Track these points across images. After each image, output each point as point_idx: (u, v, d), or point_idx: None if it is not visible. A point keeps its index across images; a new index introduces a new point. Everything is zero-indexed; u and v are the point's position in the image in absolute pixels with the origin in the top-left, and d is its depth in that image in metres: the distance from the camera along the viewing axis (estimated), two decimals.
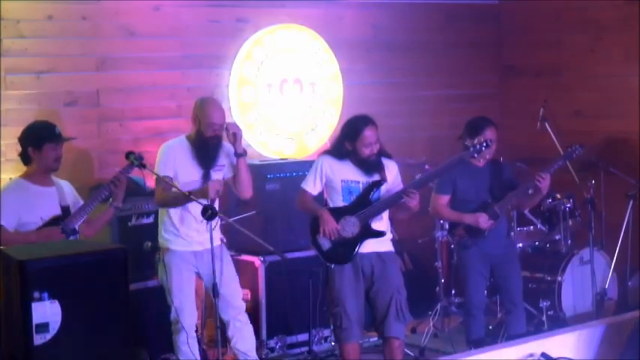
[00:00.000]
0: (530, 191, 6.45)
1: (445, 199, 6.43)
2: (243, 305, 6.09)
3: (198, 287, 6.16)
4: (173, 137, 7.15)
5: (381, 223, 5.96)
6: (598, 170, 7.55)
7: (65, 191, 5.72)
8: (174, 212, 5.87)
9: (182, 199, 5.71)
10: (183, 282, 5.88)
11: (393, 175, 5.98)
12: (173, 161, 5.87)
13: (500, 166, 6.63)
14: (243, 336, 6.05)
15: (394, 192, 5.91)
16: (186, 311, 5.88)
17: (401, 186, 5.97)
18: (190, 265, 5.92)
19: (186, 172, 5.87)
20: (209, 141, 5.86)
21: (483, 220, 6.35)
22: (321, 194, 6.04)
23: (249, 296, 6.74)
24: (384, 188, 5.93)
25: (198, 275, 6.01)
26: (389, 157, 6.01)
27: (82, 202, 5.73)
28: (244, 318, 6.07)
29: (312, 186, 5.97)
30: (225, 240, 6.14)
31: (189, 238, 5.88)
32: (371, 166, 5.89)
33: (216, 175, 5.92)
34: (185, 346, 5.87)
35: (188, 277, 5.92)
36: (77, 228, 5.64)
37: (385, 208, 5.93)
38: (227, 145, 5.96)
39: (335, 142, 6.11)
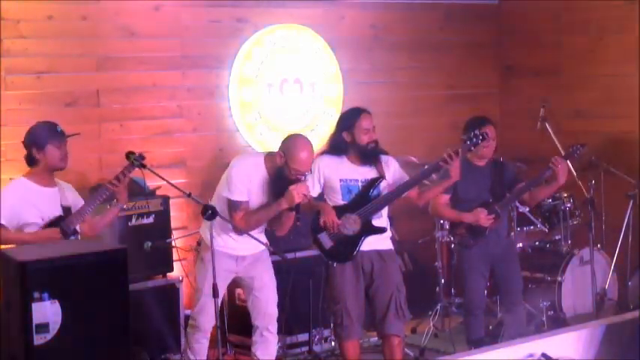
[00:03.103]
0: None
1: (445, 198, 6.42)
2: (276, 313, 5.96)
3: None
4: (173, 137, 7.20)
5: (381, 220, 5.97)
6: (598, 170, 7.55)
7: (66, 192, 5.71)
8: (222, 213, 5.61)
9: (267, 214, 5.65)
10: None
11: (391, 171, 5.98)
12: (248, 185, 5.68)
13: (502, 166, 6.63)
14: (266, 346, 5.94)
15: (396, 186, 5.92)
16: (207, 314, 5.80)
17: (406, 178, 5.97)
18: (229, 268, 5.77)
19: (256, 198, 5.72)
20: (289, 182, 5.60)
21: (483, 217, 6.35)
22: (321, 195, 6.03)
23: None
24: (383, 185, 5.94)
25: (239, 279, 5.94)
26: (385, 153, 6.01)
27: (82, 202, 5.72)
28: (273, 328, 5.96)
29: (311, 188, 5.96)
30: (269, 244, 5.92)
31: (235, 240, 5.72)
32: (371, 154, 5.89)
33: None
34: (198, 345, 5.87)
35: (222, 281, 5.67)
36: (77, 228, 5.64)
37: (386, 204, 5.93)
38: None
39: (332, 137, 6.08)
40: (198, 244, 6.00)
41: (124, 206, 5.79)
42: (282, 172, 5.63)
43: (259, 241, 5.69)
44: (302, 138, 5.76)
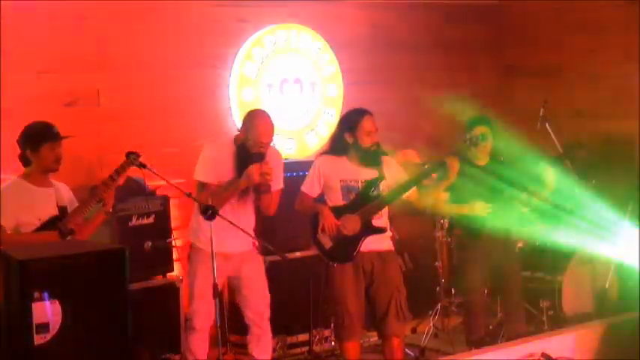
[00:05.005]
0: None
1: (444, 195, 6.43)
2: (267, 312, 5.98)
3: (222, 287, 6.09)
4: (173, 137, 7.20)
5: (381, 220, 5.97)
6: (598, 170, 7.55)
7: (62, 192, 5.71)
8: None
9: (227, 193, 5.67)
10: (206, 285, 5.67)
11: (392, 171, 5.98)
12: (216, 167, 5.74)
13: (503, 165, 6.63)
14: (260, 345, 5.96)
15: (396, 186, 5.91)
16: (202, 314, 5.80)
17: (406, 178, 5.96)
18: (220, 267, 5.66)
19: (225, 178, 5.75)
20: (253, 156, 5.68)
21: (479, 207, 6.35)
22: (321, 195, 6.03)
23: None
24: (383, 185, 5.94)
25: (229, 278, 5.95)
26: (385, 153, 6.01)
27: (77, 203, 5.71)
28: (266, 326, 5.96)
29: (310, 188, 5.97)
30: (257, 244, 5.95)
31: (221, 239, 5.65)
32: (373, 156, 5.88)
33: None
34: (195, 346, 5.86)
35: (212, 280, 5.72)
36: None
37: (386, 204, 5.93)
38: (273, 155, 5.85)
39: (334, 138, 6.10)
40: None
41: (109, 210, 5.73)
42: (247, 150, 5.69)
43: (248, 234, 5.69)
44: (259, 110, 5.93)
